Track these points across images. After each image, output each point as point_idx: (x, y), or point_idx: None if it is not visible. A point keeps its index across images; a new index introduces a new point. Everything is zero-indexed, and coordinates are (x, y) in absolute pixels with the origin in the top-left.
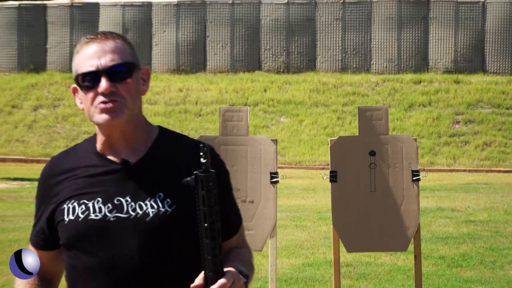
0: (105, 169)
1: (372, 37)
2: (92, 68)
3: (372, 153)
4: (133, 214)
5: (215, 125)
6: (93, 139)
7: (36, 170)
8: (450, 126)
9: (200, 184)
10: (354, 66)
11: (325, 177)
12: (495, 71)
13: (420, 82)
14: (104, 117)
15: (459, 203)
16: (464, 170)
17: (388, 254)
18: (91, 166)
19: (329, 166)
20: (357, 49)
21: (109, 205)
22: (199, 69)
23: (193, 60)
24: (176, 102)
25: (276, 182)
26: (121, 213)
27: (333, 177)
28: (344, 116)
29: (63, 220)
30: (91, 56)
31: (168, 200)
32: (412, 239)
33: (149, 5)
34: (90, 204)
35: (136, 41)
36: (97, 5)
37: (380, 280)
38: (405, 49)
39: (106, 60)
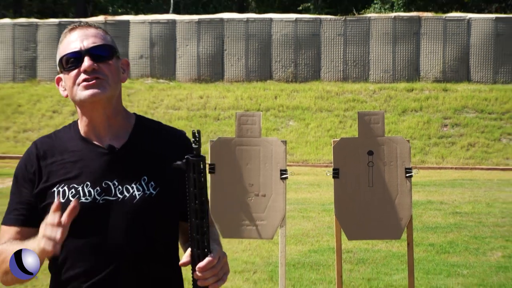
0: (91, 154)
1: (370, 50)
2: (75, 49)
3: (370, 153)
4: (121, 196)
5: (231, 128)
6: (74, 125)
7: None
8: (439, 129)
9: (192, 167)
10: (354, 76)
11: (328, 174)
12: (478, 80)
13: (412, 90)
14: (87, 92)
15: (446, 197)
16: (451, 168)
17: (384, 241)
18: (78, 151)
19: (332, 164)
20: (356, 61)
21: (98, 188)
22: (217, 78)
23: (212, 70)
24: (197, 107)
25: (285, 178)
26: (110, 196)
27: (336, 174)
28: (345, 120)
29: (54, 202)
30: (74, 40)
31: (152, 183)
32: (405, 228)
33: (174, 22)
34: (80, 188)
35: (162, 54)
36: (127, 22)
37: (377, 264)
38: (399, 61)
39: (88, 42)
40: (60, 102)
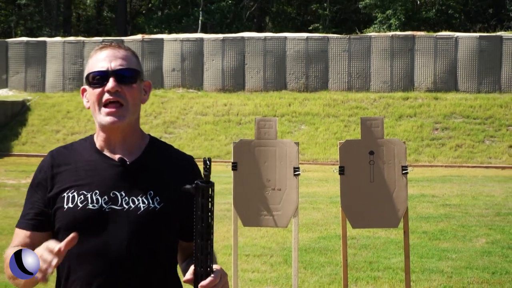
0: (104, 165)
1: (371, 64)
2: (102, 69)
3: (371, 153)
4: (126, 207)
5: (251, 131)
6: (90, 138)
7: None
8: (431, 132)
9: (200, 192)
10: (357, 86)
11: (335, 171)
12: (465, 90)
13: (408, 98)
14: (107, 119)
15: (437, 191)
16: (442, 166)
17: (383, 230)
18: (91, 161)
19: (338, 163)
20: (359, 73)
21: (106, 197)
22: (239, 88)
23: (235, 82)
24: (222, 113)
25: (298, 174)
26: (116, 205)
27: (341, 171)
28: (350, 124)
29: (62, 207)
30: (103, 59)
31: (158, 198)
32: (402, 218)
33: (201, 40)
34: (89, 195)
35: (192, 67)
36: (162, 40)
37: (377, 249)
38: (396, 73)
39: (115, 64)
40: None
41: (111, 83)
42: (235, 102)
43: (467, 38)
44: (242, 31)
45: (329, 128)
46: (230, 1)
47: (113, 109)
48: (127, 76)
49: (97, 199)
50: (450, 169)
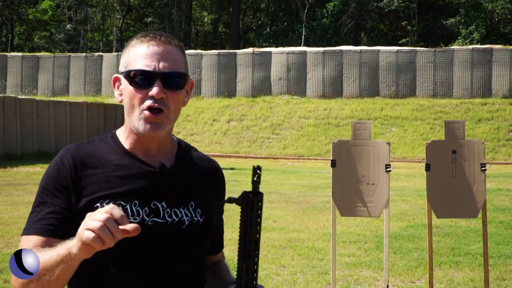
0: (140, 171)
1: (453, 74)
2: (149, 68)
3: (454, 152)
4: (170, 220)
5: (348, 133)
6: (113, 137)
7: (229, 162)
8: (506, 134)
9: (249, 205)
10: (441, 93)
11: (422, 168)
12: None
13: (486, 104)
14: (146, 127)
15: None
16: None
17: (464, 220)
18: (123, 165)
19: (425, 160)
20: (443, 82)
21: (146, 208)
22: (338, 95)
23: (334, 89)
24: (322, 117)
25: (389, 171)
26: (158, 218)
27: (428, 168)
28: (435, 127)
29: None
30: (150, 55)
31: (199, 210)
32: (481, 209)
33: (305, 52)
34: (128, 207)
35: (296, 76)
36: (270, 52)
37: (458, 237)
38: (475, 82)
39: (164, 65)
40: (218, 112)
41: (156, 88)
42: (334, 107)
43: None
44: (340, 44)
45: (417, 130)
46: (330, 19)
47: (153, 116)
48: (176, 81)
49: (137, 211)
50: None
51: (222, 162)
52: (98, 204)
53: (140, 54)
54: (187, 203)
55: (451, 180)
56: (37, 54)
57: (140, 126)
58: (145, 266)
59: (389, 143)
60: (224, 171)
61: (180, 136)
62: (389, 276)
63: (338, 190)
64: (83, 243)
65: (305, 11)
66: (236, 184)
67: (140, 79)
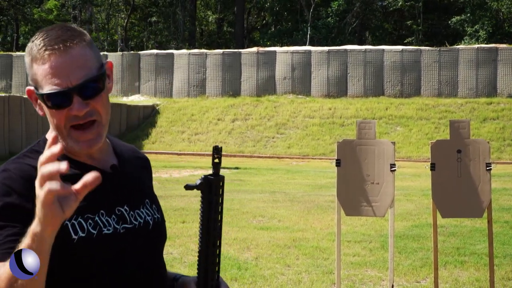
0: None
1: (458, 73)
2: (61, 88)
3: (459, 151)
4: (136, 223)
5: (353, 132)
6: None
7: (234, 162)
8: None
9: (212, 188)
10: (446, 92)
11: (427, 167)
12: None
13: (491, 103)
14: (82, 146)
15: None
16: None
17: (469, 219)
18: (74, 175)
19: (430, 160)
20: (448, 81)
21: (114, 216)
22: (342, 94)
23: (338, 88)
24: (327, 116)
25: (394, 170)
26: (126, 223)
27: (433, 167)
28: (440, 126)
29: (71, 239)
30: (57, 73)
31: (154, 206)
32: (486, 209)
33: (309, 52)
34: (97, 218)
35: (301, 76)
36: (274, 52)
37: (463, 237)
38: (481, 81)
39: (76, 77)
40: (223, 112)
41: (77, 105)
42: (338, 106)
43: None
44: (345, 44)
45: (422, 130)
46: (334, 18)
47: (85, 133)
48: (93, 87)
49: (107, 221)
50: None
51: (226, 162)
52: (67, 222)
53: (46, 73)
54: (144, 201)
55: (456, 179)
56: None
57: (75, 145)
58: (122, 274)
59: (394, 143)
60: (228, 171)
61: (184, 136)
62: (394, 275)
63: (343, 189)
64: (45, 204)
65: (311, 10)
66: (241, 183)
67: (56, 101)
